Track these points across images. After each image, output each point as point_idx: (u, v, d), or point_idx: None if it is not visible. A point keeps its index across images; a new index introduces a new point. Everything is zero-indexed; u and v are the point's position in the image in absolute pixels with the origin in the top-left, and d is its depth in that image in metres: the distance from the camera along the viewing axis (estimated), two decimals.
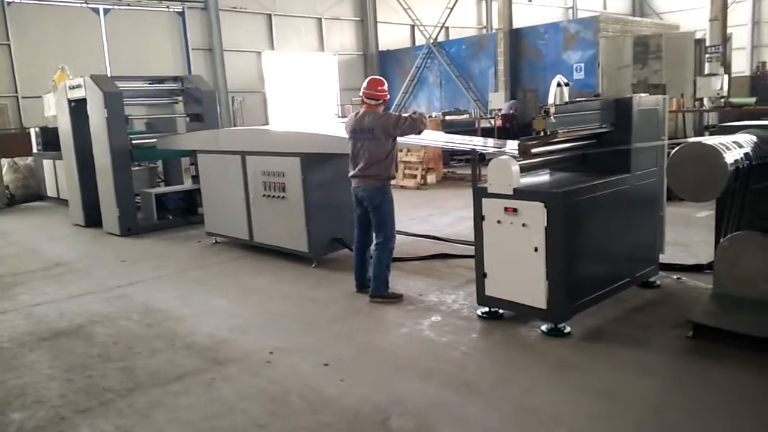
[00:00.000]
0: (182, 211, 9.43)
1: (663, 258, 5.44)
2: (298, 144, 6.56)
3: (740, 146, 3.95)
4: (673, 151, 3.83)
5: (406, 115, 5.30)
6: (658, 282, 5.30)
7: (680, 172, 3.75)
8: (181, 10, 19.90)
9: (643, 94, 5.08)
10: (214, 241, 8.01)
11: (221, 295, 5.84)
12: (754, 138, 4.20)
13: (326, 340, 4.56)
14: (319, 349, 4.39)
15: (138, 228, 8.97)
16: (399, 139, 5.39)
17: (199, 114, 9.76)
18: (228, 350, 4.46)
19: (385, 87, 5.39)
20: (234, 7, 20.82)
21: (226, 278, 6.43)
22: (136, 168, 9.83)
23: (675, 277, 5.50)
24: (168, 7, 19.70)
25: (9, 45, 16.96)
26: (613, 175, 4.68)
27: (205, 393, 3.81)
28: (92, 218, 9.51)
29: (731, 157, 3.71)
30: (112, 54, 18.46)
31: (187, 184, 10.15)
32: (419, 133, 5.34)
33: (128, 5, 18.85)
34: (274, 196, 6.75)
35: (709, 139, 3.87)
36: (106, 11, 18.58)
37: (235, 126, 19.13)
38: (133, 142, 9.12)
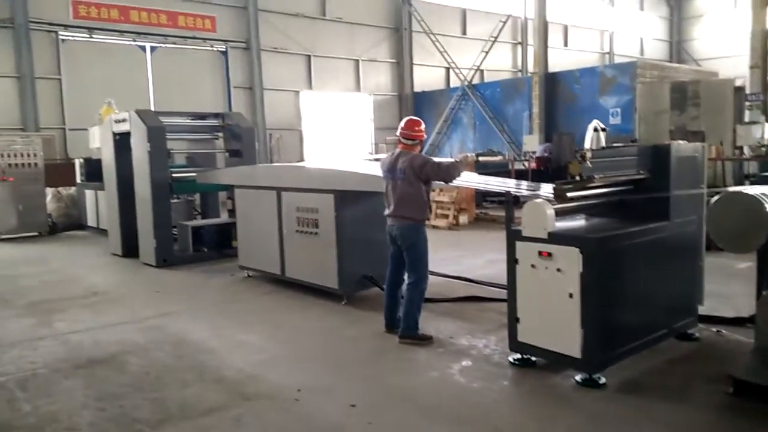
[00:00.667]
0: (217, 245, 9.57)
1: (702, 309, 5.28)
2: (332, 181, 6.65)
3: None
4: (713, 199, 3.77)
5: (439, 161, 5.32)
6: (697, 334, 5.14)
7: (720, 222, 3.68)
8: (224, 50, 20.60)
9: (681, 141, 5.03)
10: (246, 275, 8.10)
11: (251, 329, 5.87)
12: None
13: (354, 380, 4.53)
14: (346, 388, 4.36)
15: (173, 259, 9.12)
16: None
17: (238, 150, 10.00)
18: (256, 386, 4.46)
19: (422, 127, 5.45)
20: (275, 48, 21.45)
21: (256, 313, 6.47)
22: (175, 200, 10.06)
23: (714, 329, 5.33)
24: (212, 46, 20.42)
25: (60, 79, 17.73)
26: (651, 222, 4.61)
27: (232, 428, 3.80)
28: (129, 248, 9.72)
29: None
30: (156, 90, 19.13)
31: (223, 217, 10.33)
32: (449, 181, 5.37)
33: (174, 44, 19.59)
34: (307, 232, 6.82)
35: (750, 189, 3.80)
36: (152, 49, 19.34)
37: (271, 162, 19.49)
38: (174, 175, 9.37)
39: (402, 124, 5.46)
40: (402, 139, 5.41)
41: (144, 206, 9.16)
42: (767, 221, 3.57)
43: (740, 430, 3.62)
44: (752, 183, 4.57)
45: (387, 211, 5.43)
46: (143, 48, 19.17)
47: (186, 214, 10.58)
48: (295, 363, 4.95)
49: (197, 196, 11.20)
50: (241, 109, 19.11)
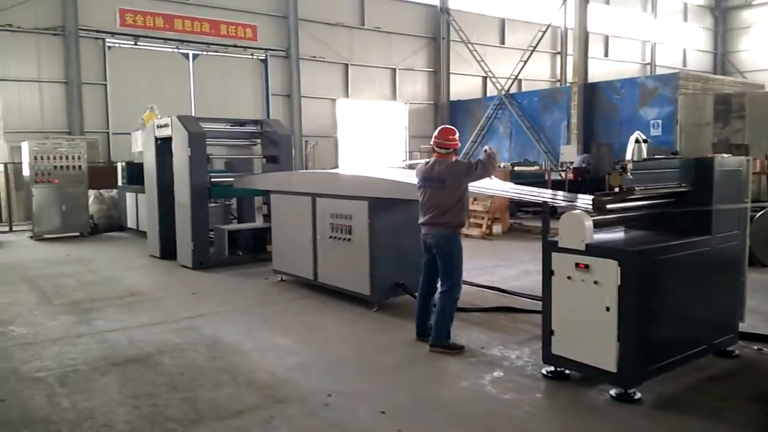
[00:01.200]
0: (252, 248, 9.70)
1: (743, 327, 5.11)
2: (366, 188, 6.68)
3: None
4: (758, 214, 3.65)
5: (476, 161, 5.31)
6: (737, 351, 4.97)
7: (765, 237, 3.56)
8: (264, 58, 20.95)
9: (725, 155, 4.90)
10: (280, 279, 8.18)
11: (284, 332, 5.92)
12: None
13: (384, 387, 4.52)
14: (377, 395, 4.35)
15: (209, 262, 9.27)
16: (469, 187, 5.42)
17: (275, 156, 10.13)
18: (287, 389, 4.49)
19: (456, 136, 5.44)
20: (313, 57, 21.72)
21: (289, 316, 6.53)
22: (212, 205, 10.23)
23: (756, 347, 5.15)
24: (252, 54, 20.79)
25: (105, 85, 18.28)
26: (692, 236, 4.50)
27: (263, 430, 3.83)
28: (167, 250, 9.92)
29: None
30: (197, 96, 19.55)
31: (258, 222, 10.47)
32: (491, 174, 5.38)
33: (216, 52, 20.01)
34: (340, 238, 6.86)
35: None
36: (194, 56, 19.79)
37: (307, 168, 19.69)
38: (212, 180, 9.54)
39: (436, 132, 5.47)
40: (436, 148, 5.41)
41: (183, 209, 9.34)
42: None
43: None
44: None
45: (421, 219, 5.43)
46: (186, 55, 19.64)
47: (223, 218, 10.76)
48: (327, 368, 4.97)
49: (234, 201, 11.38)
50: (278, 116, 19.42)
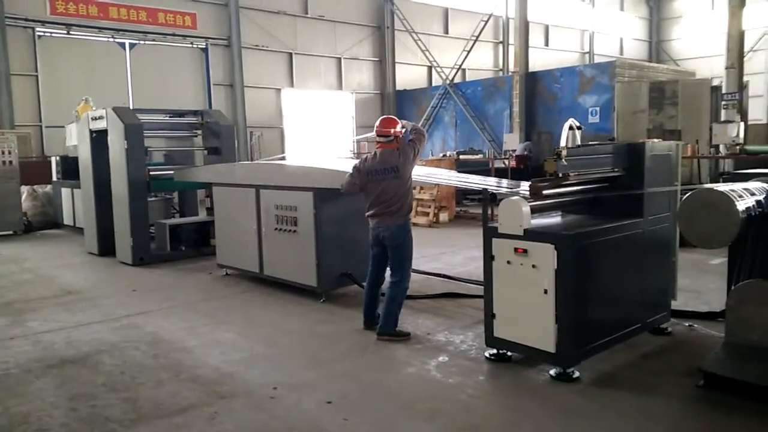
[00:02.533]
0: (195, 243, 9.49)
1: (675, 305, 5.36)
2: (311, 179, 6.63)
3: (752, 194, 3.94)
4: (685, 197, 3.83)
5: (409, 139, 5.39)
6: (670, 329, 5.21)
7: (691, 219, 3.74)
8: (204, 47, 20.44)
9: (656, 140, 5.09)
10: (224, 273, 8.05)
11: (229, 327, 5.83)
12: (766, 186, 4.18)
13: (331, 377, 4.52)
14: (323, 385, 4.35)
15: (150, 258, 9.04)
16: (414, 177, 5.45)
17: (217, 147, 9.93)
18: (232, 384, 4.43)
19: (398, 126, 5.43)
20: (256, 45, 21.34)
21: (234, 311, 6.44)
22: (152, 199, 9.96)
23: (687, 324, 5.41)
24: (192, 43, 20.24)
25: (36, 76, 17.46)
26: (625, 219, 4.66)
27: (206, 427, 3.77)
28: (106, 247, 9.61)
29: (743, 204, 3.70)
30: (135, 87, 18.93)
31: (201, 215, 10.25)
32: (424, 138, 5.53)
33: (153, 41, 19.39)
34: (285, 230, 6.79)
35: (720, 186, 3.86)
36: (131, 46, 19.12)
37: (252, 160, 19.39)
38: (151, 173, 9.27)
39: (378, 123, 5.45)
40: (379, 138, 5.40)
41: (121, 204, 9.05)
42: (737, 218, 3.63)
43: (708, 421, 3.68)
44: (725, 180, 4.64)
45: (370, 212, 5.39)
46: (122, 45, 18.96)
47: (164, 212, 10.49)
48: (272, 361, 4.93)
49: (176, 194, 11.09)
50: (221, 107, 19.00)
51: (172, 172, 9.39)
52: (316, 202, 6.43)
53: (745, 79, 16.62)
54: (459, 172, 10.36)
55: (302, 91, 22.80)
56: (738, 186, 3.93)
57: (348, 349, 5.15)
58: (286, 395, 4.20)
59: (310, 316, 6.15)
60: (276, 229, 6.92)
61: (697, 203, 3.72)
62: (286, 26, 22.05)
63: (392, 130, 5.37)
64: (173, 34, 19.69)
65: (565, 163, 4.41)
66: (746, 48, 18.83)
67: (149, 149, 9.46)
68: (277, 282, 7.12)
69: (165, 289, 7.53)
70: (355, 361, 4.86)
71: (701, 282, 6.75)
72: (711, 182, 12.07)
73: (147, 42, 19.30)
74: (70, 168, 12.55)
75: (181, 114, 10.57)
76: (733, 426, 3.58)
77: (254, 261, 7.29)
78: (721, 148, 13.20)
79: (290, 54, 22.26)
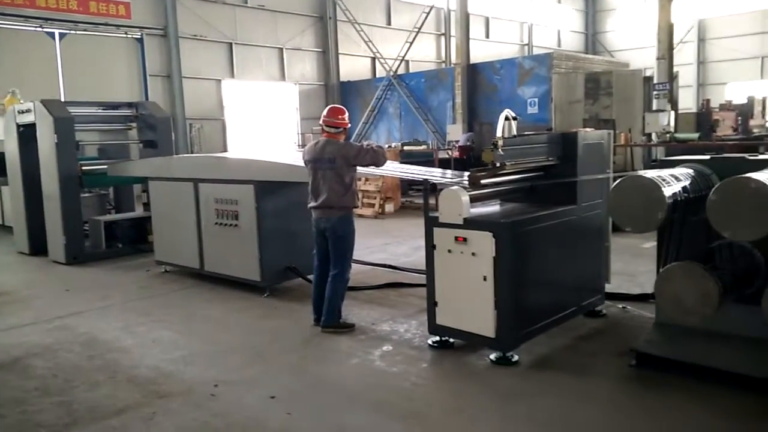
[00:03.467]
0: (132, 240, 9.20)
1: (609, 288, 5.56)
2: (252, 171, 6.51)
3: (678, 180, 4.10)
4: (615, 183, 3.96)
5: (368, 144, 5.28)
6: (604, 311, 5.41)
7: (621, 204, 3.87)
8: (139, 37, 19.71)
9: (588, 129, 5.25)
10: (163, 270, 7.83)
11: (168, 325, 5.69)
12: (692, 172, 4.36)
13: (275, 372, 4.48)
14: (266, 381, 4.30)
15: (85, 256, 8.71)
16: (359, 169, 5.39)
17: (153, 140, 9.63)
18: (171, 383, 4.32)
19: (346, 116, 5.36)
20: (194, 35, 20.75)
21: (173, 308, 6.27)
22: (86, 195, 9.59)
23: (621, 306, 5.63)
24: (126, 33, 19.48)
25: None
26: (560, 206, 4.80)
27: (144, 428, 3.68)
28: (37, 246, 9.20)
29: (669, 190, 3.85)
30: (66, 79, 18.08)
31: (139, 211, 9.94)
32: (379, 165, 5.32)
33: (85, 30, 18.56)
34: (226, 224, 6.66)
35: (648, 173, 4.01)
36: (61, 36, 18.24)
37: (192, 153, 18.89)
38: (84, 168, 8.92)
39: (325, 112, 5.34)
40: (325, 128, 5.30)
41: (52, 201, 8.67)
42: (663, 203, 3.77)
43: (641, 399, 3.84)
44: (653, 167, 4.83)
45: (313, 203, 5.30)
46: (51, 35, 18.05)
47: (98, 208, 10.09)
48: (214, 358, 4.83)
49: (111, 190, 10.71)
50: (158, 99, 18.36)
51: (106, 167, 9.06)
52: (257, 195, 6.33)
53: (675, 69, 17.33)
54: (403, 163, 10.41)
55: (244, 82, 22.35)
56: (665, 172, 4.08)
57: (292, 343, 5.11)
58: (227, 392, 4.13)
59: (253, 311, 6.06)
60: (216, 223, 6.78)
61: (626, 189, 3.85)
62: (225, 15, 21.52)
63: (336, 120, 5.26)
64: (106, 24, 18.88)
65: (502, 153, 4.50)
66: (676, 40, 19.62)
67: (81, 143, 9.09)
68: (218, 278, 6.98)
69: (100, 288, 7.27)
70: (299, 355, 4.83)
71: (634, 265, 7.02)
72: (644, 169, 12.57)
73: (78, 32, 18.44)
74: None
75: (114, 106, 10.21)
76: (664, 403, 3.74)
77: (194, 257, 7.13)
78: (653, 136, 13.71)
79: (230, 44, 21.76)
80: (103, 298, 6.76)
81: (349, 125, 5.44)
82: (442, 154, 16.55)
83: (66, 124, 8.54)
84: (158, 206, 7.78)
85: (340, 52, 24.75)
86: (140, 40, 19.73)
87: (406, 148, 17.33)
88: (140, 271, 8.02)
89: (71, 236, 8.57)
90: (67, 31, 18.25)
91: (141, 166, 8.50)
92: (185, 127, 20.27)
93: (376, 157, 5.23)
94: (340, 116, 5.30)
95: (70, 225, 8.57)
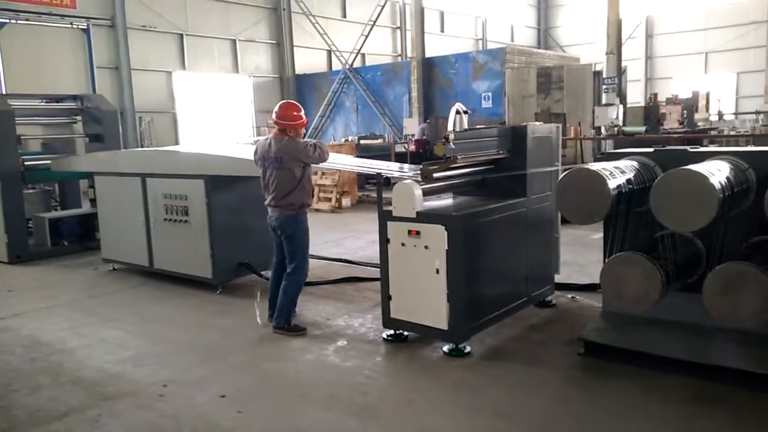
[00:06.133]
0: (79, 237, 8.90)
1: (559, 278, 5.68)
2: (202, 166, 6.38)
3: (623, 172, 4.20)
4: (561, 176, 4.03)
5: (313, 142, 5.10)
6: (554, 301, 5.52)
7: (567, 196, 3.94)
8: (86, 27, 19.02)
9: (537, 123, 5.33)
10: (111, 268, 7.61)
11: (116, 325, 5.52)
12: (636, 164, 4.48)
13: (226, 370, 4.40)
14: (217, 379, 4.23)
15: (29, 255, 8.38)
16: (313, 165, 5.23)
17: (99, 134, 9.32)
18: (118, 384, 4.21)
19: (299, 113, 5.08)
20: (143, 26, 20.19)
21: (122, 307, 6.10)
22: (29, 191, 9.22)
23: (570, 296, 5.75)
24: (71, 23, 18.77)
25: None
26: (510, 199, 4.86)
27: (90, 431, 3.56)
28: None
29: (614, 182, 3.94)
30: (7, 71, 17.29)
31: (85, 207, 9.63)
32: (324, 161, 5.16)
33: (27, 20, 17.81)
34: (176, 220, 6.51)
35: (593, 165, 4.09)
36: (1, 25, 17.47)
37: (142, 147, 18.41)
38: (26, 163, 8.59)
39: (276, 108, 5.10)
40: (276, 124, 5.09)
41: None
42: (608, 195, 3.86)
43: (588, 387, 3.93)
44: (598, 160, 4.93)
45: (266, 201, 5.15)
46: None
47: (42, 205, 9.71)
48: (163, 357, 4.72)
49: (56, 186, 10.33)
50: (106, 91, 17.77)
51: (49, 161, 8.73)
52: (208, 191, 6.21)
53: (623, 64, 17.80)
54: (360, 157, 10.37)
55: (195, 74, 21.89)
56: (610, 165, 4.18)
57: (245, 340, 5.04)
58: (176, 392, 4.04)
59: (204, 308, 5.95)
60: (166, 219, 6.62)
61: (572, 182, 3.92)
62: (176, 6, 21.01)
63: (284, 120, 5.02)
64: (50, 14, 18.16)
65: (454, 146, 4.52)
66: (624, 35, 20.16)
67: (23, 137, 8.74)
68: (169, 275, 6.82)
69: (45, 287, 7.01)
70: (251, 353, 4.76)
71: (583, 255, 7.18)
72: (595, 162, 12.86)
73: (19, 22, 17.68)
74: None
75: (58, 99, 9.82)
76: (610, 390, 3.84)
77: (143, 254, 6.94)
78: (602, 129, 14.05)
79: (181, 35, 21.27)
80: (48, 298, 6.52)
81: (302, 122, 5.09)
82: (399, 148, 16.61)
83: (6, 118, 8.20)
84: (105, 202, 7.55)
85: (295, 44, 24.51)
86: (86, 31, 19.04)
87: (362, 141, 17.32)
88: (87, 270, 7.77)
89: (14, 234, 8.24)
90: (8, 21, 17.47)
91: (86, 160, 8.23)
92: (135, 120, 19.73)
93: (322, 154, 5.07)
94: (292, 113, 5.05)
95: (13, 222, 8.23)
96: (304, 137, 5.26)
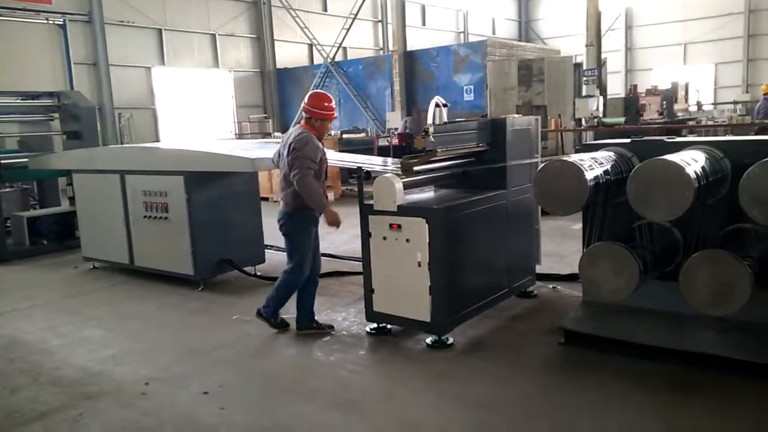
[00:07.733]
0: (58, 236, 8.79)
1: (540, 268, 5.72)
2: (181, 162, 6.32)
3: (600, 163, 4.24)
4: (539, 168, 4.05)
5: (308, 165, 4.66)
6: (535, 291, 5.57)
7: (545, 188, 3.97)
8: (62, 23, 18.72)
9: (516, 115, 5.36)
10: (91, 267, 7.53)
11: (96, 324, 5.47)
12: (614, 155, 4.52)
13: (209, 368, 4.39)
14: (200, 376, 4.21)
15: (7, 255, 8.27)
16: None
17: (78, 131, 9.18)
18: (99, 383, 4.17)
19: (332, 104, 4.85)
20: (121, 21, 19.91)
21: (102, 306, 6.04)
22: (7, 190, 9.09)
23: (551, 286, 5.81)
24: (47, 19, 18.46)
25: None
26: (491, 191, 4.89)
27: (70, 430, 3.53)
28: None
29: (592, 173, 3.97)
30: None
31: (64, 206, 9.51)
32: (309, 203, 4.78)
33: (1, 16, 17.49)
34: (156, 217, 6.46)
35: (571, 157, 4.13)
36: None
37: (122, 144, 18.19)
38: (3, 161, 8.47)
39: (306, 96, 4.90)
40: (305, 112, 4.86)
41: None
42: (585, 186, 3.89)
43: (569, 375, 3.98)
44: (577, 151, 4.98)
45: None
46: None
47: (21, 203, 9.57)
48: (145, 356, 4.69)
49: (34, 184, 10.19)
50: (84, 88, 17.54)
51: (26, 159, 8.60)
52: (187, 187, 6.16)
53: (603, 56, 17.90)
54: (343, 151, 10.35)
55: (175, 69, 21.64)
56: (587, 156, 4.21)
57: (228, 336, 5.01)
58: (158, 390, 4.02)
59: (186, 305, 5.91)
60: (145, 216, 6.56)
61: (550, 173, 3.95)
62: (154, 0, 20.74)
63: (315, 109, 4.76)
64: (24, 9, 17.83)
65: (433, 139, 4.52)
66: (604, 27, 20.29)
67: None
68: (150, 273, 6.77)
69: (24, 287, 6.92)
70: (234, 349, 4.74)
71: (564, 246, 7.24)
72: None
73: None
74: None
75: (34, 96, 9.67)
76: (590, 378, 3.88)
77: (123, 252, 6.88)
78: (583, 121, 14.16)
79: (159, 30, 20.99)
80: (27, 298, 6.43)
81: (330, 113, 4.83)
82: (382, 142, 16.58)
83: None
84: (84, 200, 7.46)
85: (275, 38, 24.31)
86: (63, 27, 18.74)
87: (345, 136, 17.26)
88: (67, 269, 7.68)
89: None
90: None
91: (64, 158, 8.11)
92: (114, 116, 19.49)
93: (299, 181, 4.60)
94: (324, 103, 4.80)
95: None
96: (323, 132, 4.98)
